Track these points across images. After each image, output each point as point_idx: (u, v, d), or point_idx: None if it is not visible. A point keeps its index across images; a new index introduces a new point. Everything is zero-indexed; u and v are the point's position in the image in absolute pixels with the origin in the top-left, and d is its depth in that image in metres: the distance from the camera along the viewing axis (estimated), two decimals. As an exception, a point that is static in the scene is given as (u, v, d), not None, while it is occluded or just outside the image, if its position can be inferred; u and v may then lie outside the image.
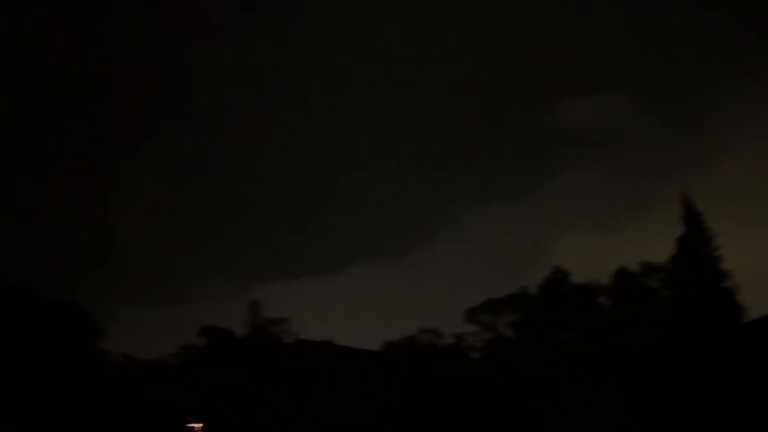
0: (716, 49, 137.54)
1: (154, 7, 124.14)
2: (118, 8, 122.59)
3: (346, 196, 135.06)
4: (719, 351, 32.32)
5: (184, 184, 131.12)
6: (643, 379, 35.21)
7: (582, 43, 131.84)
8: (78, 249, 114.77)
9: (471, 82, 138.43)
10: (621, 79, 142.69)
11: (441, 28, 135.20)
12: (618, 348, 39.41)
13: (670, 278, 40.41)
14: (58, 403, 43.71)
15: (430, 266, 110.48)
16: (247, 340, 63.41)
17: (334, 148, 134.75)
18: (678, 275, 38.20)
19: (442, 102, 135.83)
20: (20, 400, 42.66)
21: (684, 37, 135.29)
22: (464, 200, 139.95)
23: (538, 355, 43.09)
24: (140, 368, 62.93)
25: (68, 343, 50.86)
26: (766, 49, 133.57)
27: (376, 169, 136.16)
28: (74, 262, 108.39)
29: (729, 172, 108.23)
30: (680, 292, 37.78)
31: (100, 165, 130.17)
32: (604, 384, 37.12)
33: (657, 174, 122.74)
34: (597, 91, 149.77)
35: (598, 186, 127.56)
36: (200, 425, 37.41)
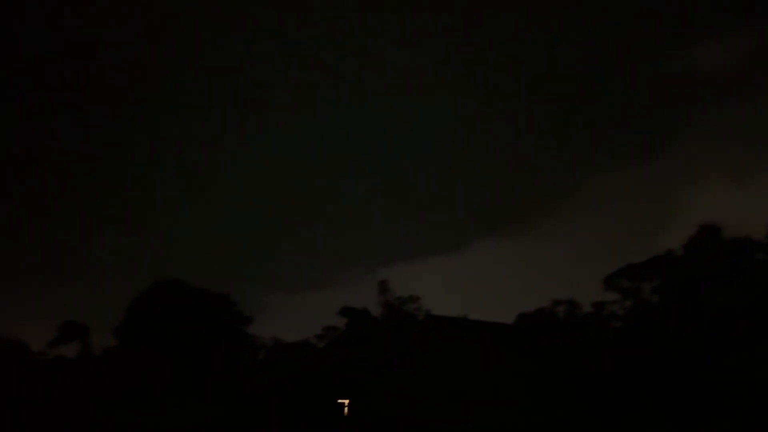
0: None
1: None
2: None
3: (460, 172, 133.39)
4: None
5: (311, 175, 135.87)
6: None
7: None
8: (226, 242, 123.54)
9: (585, 36, 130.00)
10: (750, 14, 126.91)
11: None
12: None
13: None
14: (216, 382, 47.57)
15: (555, 237, 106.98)
16: (382, 319, 65.32)
17: (442, 122, 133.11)
18: None
19: (556, 62, 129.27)
20: (181, 381, 46.91)
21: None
22: (587, 166, 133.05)
23: (688, 319, 40.39)
24: (289, 350, 67.03)
25: (220, 330, 55.22)
26: None
27: (490, 141, 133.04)
28: (223, 253, 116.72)
29: None
30: None
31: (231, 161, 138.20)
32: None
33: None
34: (725, 30, 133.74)
35: (733, 135, 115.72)
36: (347, 401, 39.04)
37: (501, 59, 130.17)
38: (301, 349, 65.67)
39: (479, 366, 28.73)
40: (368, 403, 35.00)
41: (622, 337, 44.77)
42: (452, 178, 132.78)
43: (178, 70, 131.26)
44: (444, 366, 30.22)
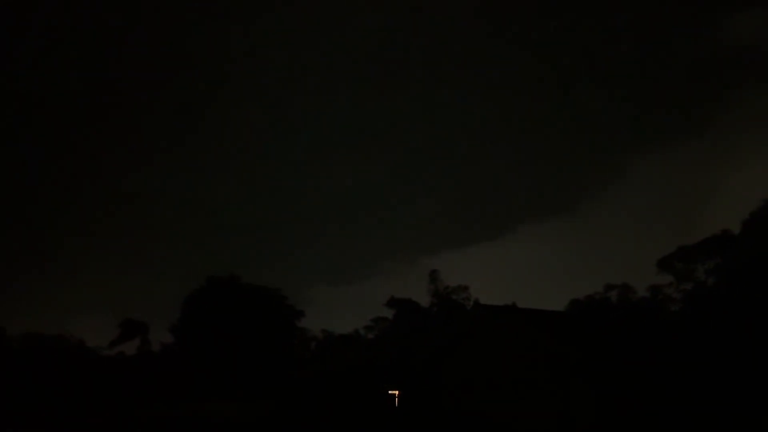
0: None
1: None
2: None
3: (501, 158, 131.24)
4: None
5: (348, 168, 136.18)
6: None
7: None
8: (270, 236, 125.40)
9: (627, 16, 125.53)
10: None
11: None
12: None
13: None
14: (270, 375, 48.36)
15: (601, 220, 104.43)
16: (431, 309, 65.12)
17: (485, 109, 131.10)
18: None
19: (598, 43, 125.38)
20: (235, 376, 47.90)
21: None
22: (631, 147, 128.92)
23: (750, 302, 38.72)
24: (338, 342, 67.63)
25: (273, 324, 56.09)
26: None
27: (531, 125, 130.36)
28: (268, 248, 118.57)
29: None
30: None
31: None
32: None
33: None
34: (754, 6, 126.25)
35: None
36: (397, 392, 39.05)
37: (543, 40, 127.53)
38: (350, 341, 66.17)
39: (530, 355, 28.23)
40: (418, 393, 34.93)
41: (681, 322, 43.34)
42: (493, 165, 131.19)
43: (219, 60, 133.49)
44: (494, 355, 29.84)
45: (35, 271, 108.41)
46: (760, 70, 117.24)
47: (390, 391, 39.57)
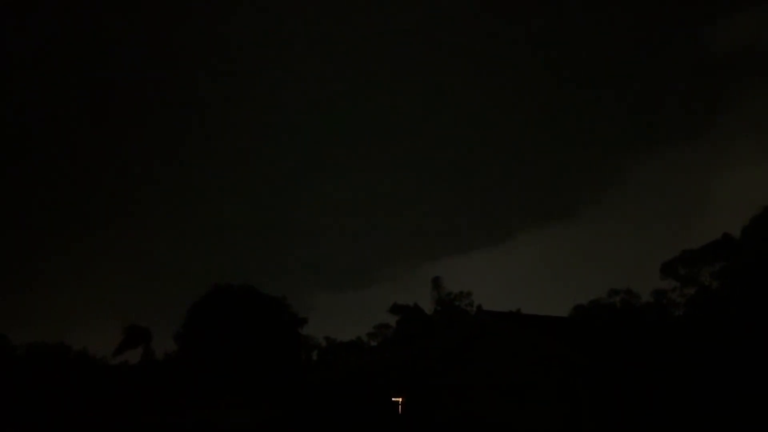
0: None
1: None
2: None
3: (498, 164, 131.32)
4: None
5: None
6: None
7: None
8: (271, 244, 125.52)
9: (622, 20, 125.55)
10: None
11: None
12: None
13: None
14: (274, 384, 48.30)
15: (601, 225, 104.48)
16: (435, 315, 65.04)
17: (481, 115, 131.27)
18: None
19: (592, 47, 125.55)
20: (240, 384, 47.81)
21: None
22: (627, 152, 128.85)
23: (755, 306, 38.63)
24: (342, 349, 67.57)
25: (277, 332, 56.06)
26: None
27: (527, 131, 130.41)
28: (269, 256, 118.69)
29: None
30: None
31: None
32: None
33: None
34: (750, 5, 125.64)
35: None
36: (401, 399, 38.99)
37: (536, 46, 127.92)
38: (354, 348, 66.11)
39: (535, 361, 28.17)
40: (422, 400, 34.87)
41: (686, 327, 43.24)
42: (492, 170, 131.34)
43: (221, 67, 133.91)
44: (499, 362, 29.78)
45: (38, 278, 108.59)
46: (758, 72, 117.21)
47: (393, 398, 39.52)
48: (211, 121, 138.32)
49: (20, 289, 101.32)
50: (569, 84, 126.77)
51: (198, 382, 49.19)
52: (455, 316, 62.32)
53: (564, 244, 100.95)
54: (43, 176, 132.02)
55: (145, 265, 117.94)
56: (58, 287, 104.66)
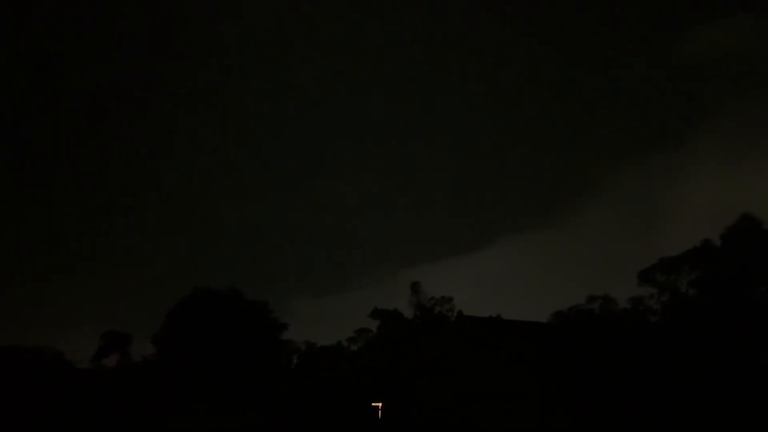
0: None
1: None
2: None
3: (477, 171, 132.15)
4: None
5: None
6: None
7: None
8: (251, 248, 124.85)
9: (598, 28, 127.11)
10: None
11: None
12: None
13: None
14: (254, 389, 48.01)
15: (580, 232, 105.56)
16: (415, 320, 65.15)
17: (461, 122, 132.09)
18: None
19: (571, 55, 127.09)
20: (219, 389, 47.47)
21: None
22: (605, 160, 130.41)
23: (729, 312, 39.32)
24: (322, 354, 67.36)
25: (257, 337, 55.78)
26: None
27: (505, 138, 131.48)
28: (248, 260, 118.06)
29: None
30: None
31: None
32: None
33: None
34: (723, 16, 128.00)
35: (760, 122, 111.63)
36: (381, 404, 38.99)
37: (516, 55, 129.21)
38: (334, 353, 65.93)
39: (514, 366, 28.39)
40: (402, 405, 34.91)
41: (661, 333, 43.83)
42: (469, 178, 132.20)
43: (190, 73, 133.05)
44: (479, 367, 29.95)
45: (16, 281, 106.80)
46: (738, 80, 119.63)
47: (374, 403, 39.50)
48: (193, 125, 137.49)
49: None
50: (547, 93, 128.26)
51: (177, 387, 48.71)
52: (435, 321, 62.49)
53: (543, 251, 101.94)
54: (20, 178, 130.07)
55: (127, 269, 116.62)
56: (37, 290, 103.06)
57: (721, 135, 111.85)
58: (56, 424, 41.45)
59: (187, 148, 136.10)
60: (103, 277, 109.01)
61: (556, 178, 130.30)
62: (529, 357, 28.30)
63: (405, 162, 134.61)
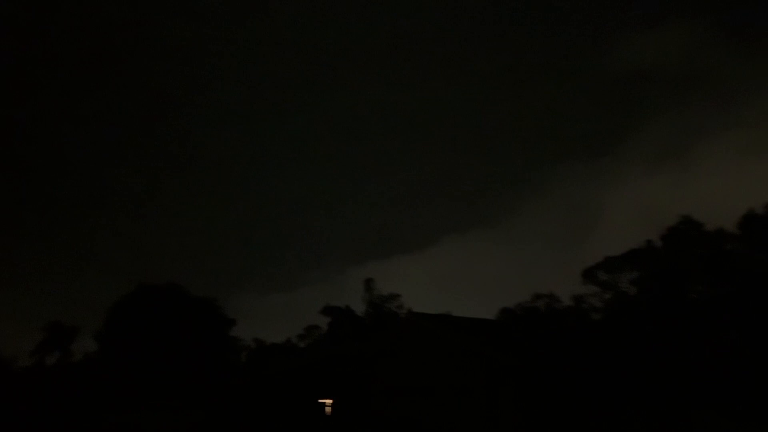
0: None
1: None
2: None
3: (424, 171, 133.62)
4: None
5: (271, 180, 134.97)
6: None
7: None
8: (196, 244, 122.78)
9: (541, 27, 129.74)
10: (682, 7, 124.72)
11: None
12: (753, 297, 36.58)
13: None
14: (201, 386, 47.25)
15: (524, 232, 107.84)
16: (366, 317, 65.30)
17: (405, 123, 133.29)
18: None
19: (514, 56, 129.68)
20: (164, 386, 46.56)
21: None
22: (549, 160, 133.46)
23: (667, 310, 40.96)
24: (271, 351, 66.70)
25: (204, 333, 54.94)
26: None
27: (449, 136, 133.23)
28: (194, 256, 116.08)
29: None
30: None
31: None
32: (744, 335, 34.73)
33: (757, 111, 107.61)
34: (656, 24, 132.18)
35: (692, 129, 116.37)
36: (330, 401, 38.94)
37: (459, 56, 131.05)
38: (283, 350, 65.39)
39: (462, 362, 28.85)
40: (351, 401, 34.99)
41: (602, 330, 45.26)
42: (413, 178, 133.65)
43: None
44: (428, 363, 30.30)
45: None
46: (673, 85, 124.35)
47: (321, 400, 39.43)
48: (141, 125, 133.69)
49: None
50: (494, 93, 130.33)
51: (121, 384, 47.52)
52: (386, 317, 62.77)
53: (489, 250, 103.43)
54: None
55: (66, 263, 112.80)
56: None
57: (663, 138, 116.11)
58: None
59: (130, 142, 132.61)
60: (49, 272, 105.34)
61: (501, 179, 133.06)
62: (476, 352, 28.81)
63: (353, 161, 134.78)
